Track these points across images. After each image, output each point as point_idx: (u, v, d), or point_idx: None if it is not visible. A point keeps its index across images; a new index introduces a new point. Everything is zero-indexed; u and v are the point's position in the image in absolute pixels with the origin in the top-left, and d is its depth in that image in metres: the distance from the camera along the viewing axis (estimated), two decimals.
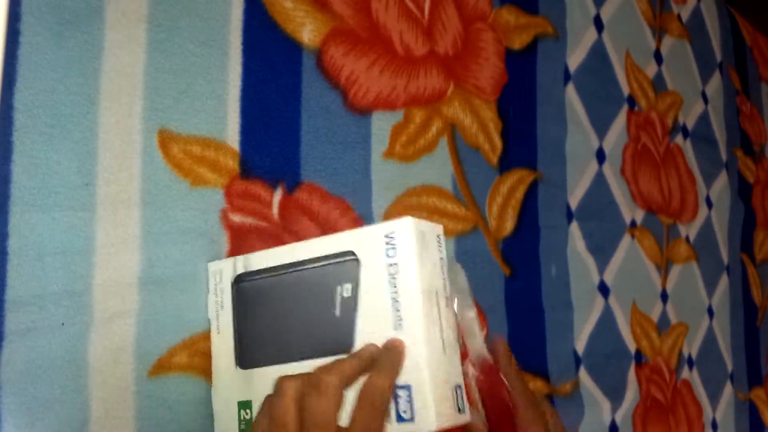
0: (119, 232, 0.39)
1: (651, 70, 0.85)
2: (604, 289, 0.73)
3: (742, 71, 1.07)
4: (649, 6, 0.86)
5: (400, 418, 0.33)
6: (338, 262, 0.37)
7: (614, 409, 0.71)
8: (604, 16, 0.78)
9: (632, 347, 0.75)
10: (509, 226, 0.63)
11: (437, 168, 0.57)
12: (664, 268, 0.82)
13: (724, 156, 0.98)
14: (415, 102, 0.56)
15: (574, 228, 0.70)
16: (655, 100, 0.85)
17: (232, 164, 0.45)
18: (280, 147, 0.47)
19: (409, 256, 0.34)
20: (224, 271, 0.41)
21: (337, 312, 0.36)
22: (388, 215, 0.53)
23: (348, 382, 0.33)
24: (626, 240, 0.77)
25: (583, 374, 0.68)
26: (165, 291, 0.41)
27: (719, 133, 0.97)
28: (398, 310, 0.34)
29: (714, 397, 0.88)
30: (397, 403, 0.33)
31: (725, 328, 0.93)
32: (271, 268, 0.39)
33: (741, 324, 0.96)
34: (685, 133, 0.90)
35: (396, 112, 0.55)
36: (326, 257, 0.37)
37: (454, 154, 0.59)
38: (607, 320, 0.72)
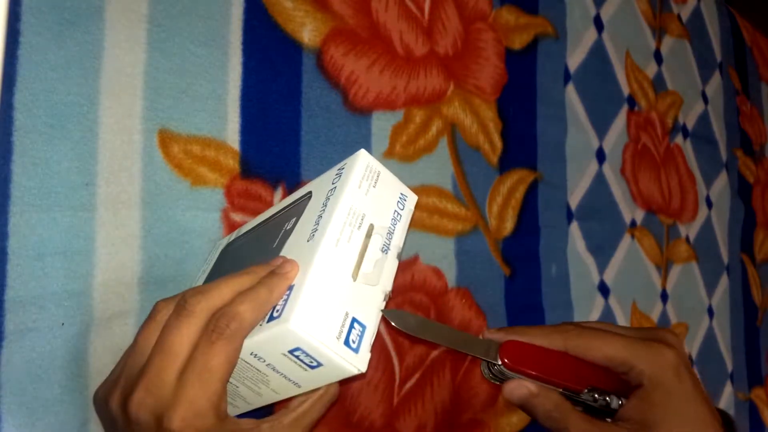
0: (119, 232, 0.39)
1: (651, 70, 0.85)
2: (604, 289, 0.73)
3: (742, 71, 1.07)
4: (649, 6, 0.86)
5: (270, 317, 0.29)
6: (296, 203, 0.36)
7: None
8: (604, 16, 0.78)
9: None
10: (509, 226, 0.63)
11: (437, 168, 0.57)
12: (664, 268, 0.82)
13: (724, 156, 0.98)
14: (415, 102, 0.56)
15: (574, 228, 0.70)
16: (655, 100, 0.85)
17: (233, 164, 0.45)
18: (281, 147, 0.47)
19: (347, 178, 0.32)
20: (222, 243, 0.42)
21: (275, 244, 0.35)
22: None
23: (218, 304, 0.28)
24: (626, 240, 0.77)
25: None
26: (165, 291, 0.41)
27: (719, 133, 0.97)
28: (317, 224, 0.31)
29: (714, 397, 0.88)
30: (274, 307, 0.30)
31: (725, 328, 0.93)
32: (252, 228, 0.39)
33: (741, 324, 0.96)
34: (685, 133, 0.90)
35: (396, 112, 0.55)
36: (291, 203, 0.37)
37: (454, 154, 0.59)
38: (607, 320, 0.72)
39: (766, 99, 1.13)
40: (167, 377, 0.27)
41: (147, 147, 0.41)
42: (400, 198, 0.35)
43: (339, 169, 0.35)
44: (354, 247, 0.31)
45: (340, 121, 0.51)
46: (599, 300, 0.72)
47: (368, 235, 0.32)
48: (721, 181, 0.96)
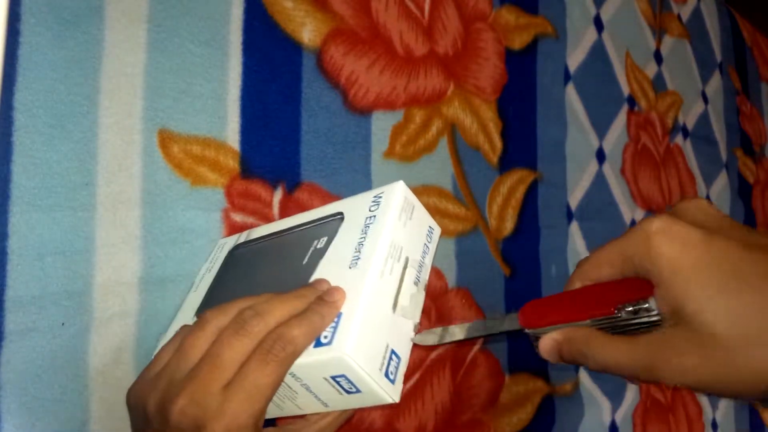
0: (119, 232, 0.39)
1: (651, 70, 0.85)
2: None
3: (742, 71, 1.07)
4: (649, 6, 0.86)
5: (318, 343, 0.30)
6: (325, 221, 0.37)
7: (614, 409, 0.71)
8: (604, 16, 0.78)
9: None
10: (509, 226, 0.63)
11: (437, 168, 0.57)
12: None
13: (724, 156, 0.98)
14: (415, 102, 0.56)
15: (574, 228, 0.70)
16: (655, 100, 0.85)
17: (233, 164, 0.45)
18: (280, 147, 0.47)
19: (388, 209, 0.33)
20: (227, 243, 0.42)
21: (305, 261, 0.35)
22: None
23: (273, 326, 0.30)
24: None
25: (583, 374, 0.68)
26: (165, 291, 0.41)
27: (719, 133, 0.97)
28: (359, 251, 0.33)
29: (714, 397, 0.88)
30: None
31: None
32: (266, 235, 0.40)
33: None
34: (685, 133, 0.90)
35: (396, 112, 0.55)
36: (317, 220, 0.37)
37: (454, 154, 0.59)
38: None
39: (766, 99, 1.13)
40: (214, 389, 0.28)
41: (147, 147, 0.41)
42: (429, 231, 0.36)
43: (376, 197, 0.35)
44: (394, 280, 0.33)
45: (340, 121, 0.51)
46: None
47: (403, 267, 0.33)
48: (721, 181, 0.96)
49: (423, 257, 0.35)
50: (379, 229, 0.33)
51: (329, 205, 0.38)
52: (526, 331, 0.36)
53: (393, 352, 0.31)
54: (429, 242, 0.36)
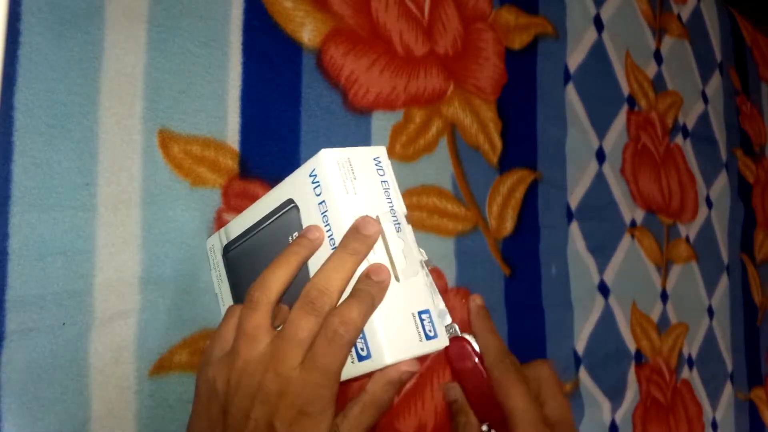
0: (120, 232, 0.39)
1: (651, 70, 0.85)
2: (604, 289, 0.73)
3: (742, 71, 1.07)
4: (649, 6, 0.86)
5: (359, 357, 0.33)
6: (284, 212, 0.37)
7: (614, 409, 0.71)
8: (604, 16, 0.78)
9: (632, 347, 0.75)
10: (509, 226, 0.63)
11: (437, 168, 0.57)
12: (664, 268, 0.82)
13: (724, 156, 0.98)
14: (415, 102, 0.56)
15: (574, 228, 0.70)
16: (655, 100, 0.85)
17: (232, 164, 0.45)
18: (280, 147, 0.47)
19: (331, 190, 0.33)
20: (215, 245, 0.42)
21: None
22: None
23: (278, 293, 0.33)
24: (626, 240, 0.77)
25: (583, 374, 0.68)
26: (166, 290, 0.41)
27: (719, 133, 0.97)
28: (333, 242, 0.33)
29: (714, 397, 0.88)
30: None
31: (725, 328, 0.93)
32: (242, 234, 0.40)
33: (741, 324, 0.96)
34: (685, 133, 0.90)
35: (396, 112, 0.55)
36: (275, 211, 0.37)
37: (454, 154, 0.59)
38: (607, 320, 0.72)
39: (766, 99, 1.13)
40: (294, 364, 0.31)
41: (147, 147, 0.41)
42: (376, 163, 0.35)
43: (312, 176, 0.34)
44: (380, 252, 0.33)
45: (340, 121, 0.51)
46: (599, 300, 0.72)
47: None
48: (721, 181, 0.96)
49: (388, 197, 0.34)
50: (336, 214, 0.33)
51: (272, 193, 0.37)
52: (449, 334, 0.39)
53: (420, 313, 0.33)
54: (383, 175, 0.35)
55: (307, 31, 0.50)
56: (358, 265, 0.33)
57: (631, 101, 0.81)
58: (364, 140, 0.52)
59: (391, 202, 0.34)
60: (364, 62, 0.53)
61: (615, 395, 0.72)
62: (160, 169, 0.41)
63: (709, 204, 0.93)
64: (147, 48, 0.41)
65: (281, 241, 0.36)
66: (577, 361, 0.68)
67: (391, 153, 0.54)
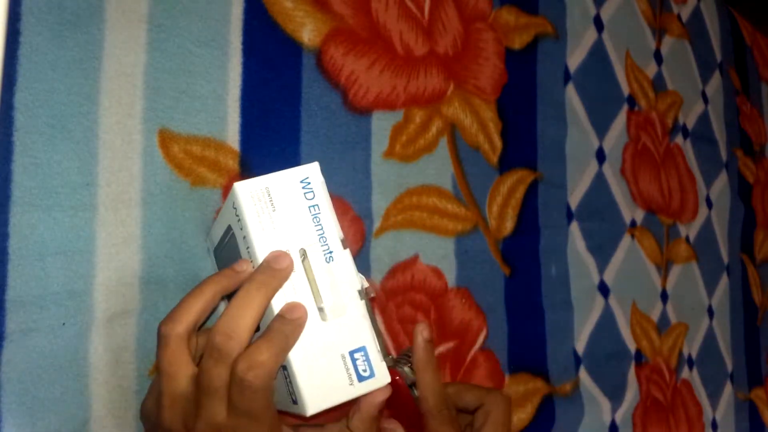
0: (120, 232, 0.39)
1: (651, 70, 0.85)
2: (604, 289, 0.73)
3: (742, 71, 1.07)
4: (649, 6, 0.86)
5: (293, 400, 0.31)
6: (230, 235, 0.35)
7: (614, 409, 0.71)
8: (604, 16, 0.78)
9: (632, 347, 0.75)
10: (509, 226, 0.63)
11: (437, 168, 0.57)
12: (664, 268, 0.82)
13: (724, 156, 0.98)
14: (415, 102, 0.56)
15: (574, 228, 0.70)
16: (655, 100, 0.85)
17: (232, 164, 0.45)
18: (280, 147, 0.47)
19: (247, 225, 0.31)
20: (209, 246, 0.42)
21: None
22: (388, 215, 0.53)
23: (189, 324, 0.31)
24: (626, 240, 0.77)
25: (583, 374, 0.68)
26: (166, 290, 0.41)
27: (719, 133, 0.97)
28: None
29: (714, 397, 0.88)
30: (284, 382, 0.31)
31: (725, 328, 0.93)
32: (219, 240, 0.39)
33: (741, 324, 0.96)
34: (685, 133, 0.90)
35: (396, 112, 0.55)
36: (225, 233, 0.36)
37: (454, 154, 0.59)
38: (607, 320, 0.72)
39: (766, 99, 1.13)
40: (221, 415, 0.30)
41: (147, 147, 0.41)
42: (304, 186, 0.32)
43: (234, 209, 0.33)
44: (302, 289, 0.31)
45: (340, 121, 0.51)
46: (599, 300, 0.72)
47: (304, 259, 0.31)
48: (721, 181, 0.96)
49: (317, 223, 0.31)
50: (252, 250, 0.31)
51: (222, 210, 0.36)
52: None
53: (353, 353, 0.30)
54: (311, 198, 0.32)
55: (307, 31, 0.50)
56: (267, 300, 0.31)
57: (631, 101, 0.81)
58: (364, 140, 0.52)
59: (321, 229, 0.32)
60: (364, 62, 0.53)
61: (615, 395, 0.72)
62: (160, 169, 0.41)
63: (709, 204, 0.93)
64: (147, 48, 0.41)
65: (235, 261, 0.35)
66: (577, 361, 0.68)
67: (391, 153, 0.54)
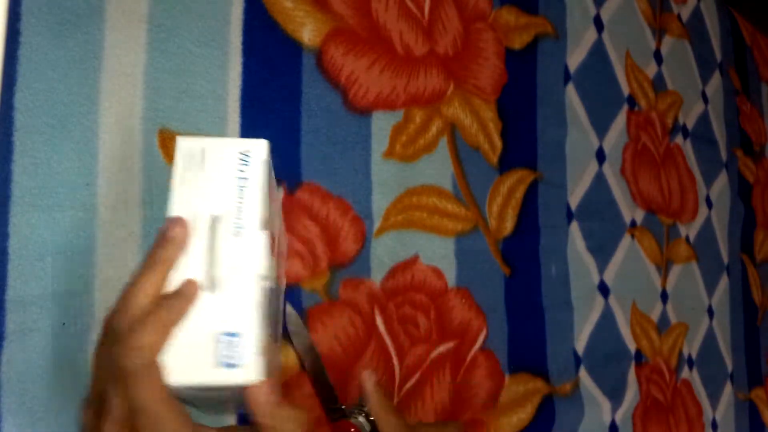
0: (120, 232, 0.39)
1: (651, 70, 0.85)
2: (604, 289, 0.73)
3: (742, 71, 1.07)
4: (649, 6, 0.86)
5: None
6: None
7: (614, 409, 0.71)
8: (604, 16, 0.78)
9: (632, 347, 0.75)
10: (509, 226, 0.63)
11: (437, 168, 0.57)
12: (664, 268, 0.82)
13: (724, 156, 0.98)
14: (415, 102, 0.56)
15: (574, 228, 0.70)
16: (655, 100, 0.85)
17: None
18: (281, 147, 0.47)
19: (173, 174, 0.30)
20: None
21: None
22: (388, 215, 0.53)
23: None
24: (626, 240, 0.77)
25: (583, 374, 0.68)
26: None
27: (719, 133, 0.97)
28: None
29: (714, 397, 0.88)
30: None
31: (725, 328, 0.93)
32: None
33: (741, 324, 0.96)
34: (685, 133, 0.90)
35: (396, 112, 0.55)
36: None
37: (454, 154, 0.59)
38: (607, 320, 0.72)
39: (766, 99, 1.13)
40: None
41: (147, 147, 0.41)
42: (242, 158, 0.31)
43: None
44: (199, 255, 0.29)
45: (340, 121, 0.51)
46: (599, 300, 0.72)
47: (213, 226, 0.30)
48: (721, 181, 0.96)
49: (239, 199, 0.30)
50: (170, 203, 0.30)
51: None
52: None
53: (227, 335, 0.28)
54: (243, 173, 0.31)
55: (307, 31, 0.50)
56: (161, 272, 0.29)
57: (631, 101, 0.81)
58: (364, 140, 0.52)
59: (241, 202, 0.30)
60: (364, 62, 0.53)
61: (615, 395, 0.72)
62: (160, 169, 0.41)
63: (709, 204, 0.93)
64: (147, 48, 0.41)
65: None
66: (577, 361, 0.68)
67: (391, 153, 0.54)
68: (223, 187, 0.30)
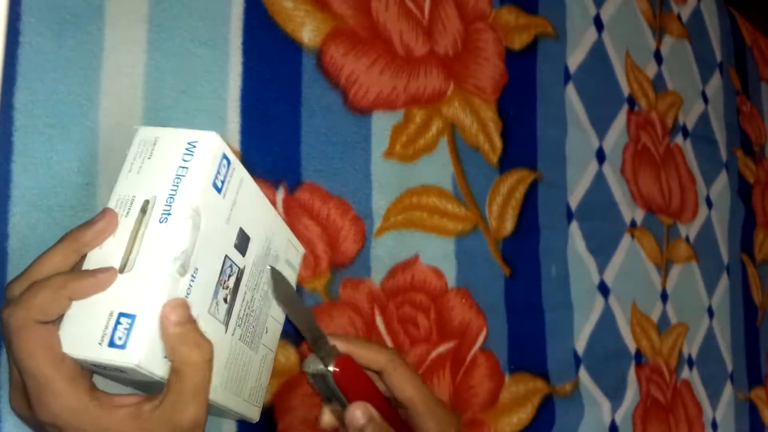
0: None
1: (651, 70, 0.85)
2: (604, 289, 0.73)
3: (742, 71, 1.07)
4: (649, 6, 0.86)
5: None
6: None
7: (614, 409, 0.71)
8: (604, 16, 0.78)
9: (632, 347, 0.75)
10: (509, 226, 0.63)
11: (437, 168, 0.57)
12: (664, 268, 0.82)
13: (724, 156, 0.98)
14: (415, 102, 0.56)
15: (574, 228, 0.70)
16: (655, 100, 0.85)
17: None
18: (281, 147, 0.47)
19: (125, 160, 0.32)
20: None
21: None
22: (388, 215, 0.53)
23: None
24: (626, 240, 0.77)
25: (583, 374, 0.68)
26: None
27: (719, 133, 0.97)
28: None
29: (714, 397, 0.88)
30: None
31: (725, 328, 0.93)
32: None
33: (741, 324, 0.96)
34: (685, 133, 0.90)
35: (396, 112, 0.55)
36: None
37: (454, 154, 0.59)
38: (607, 320, 0.72)
39: (766, 99, 1.13)
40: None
41: None
42: (188, 148, 0.31)
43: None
44: (121, 238, 0.30)
45: (340, 121, 0.51)
46: (599, 300, 0.72)
47: (144, 210, 0.30)
48: (721, 181, 0.96)
49: (173, 187, 0.31)
50: (114, 187, 0.31)
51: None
52: (328, 371, 0.36)
53: (121, 315, 0.28)
54: (187, 161, 0.31)
55: (307, 31, 0.50)
56: (72, 250, 0.29)
57: (631, 101, 0.81)
58: (364, 140, 0.52)
59: (175, 190, 0.31)
60: (364, 62, 0.53)
61: (615, 395, 0.72)
62: None
63: (709, 204, 0.93)
64: (147, 48, 0.41)
65: None
66: (577, 361, 0.68)
67: (391, 153, 0.54)
68: (160, 175, 0.31)
